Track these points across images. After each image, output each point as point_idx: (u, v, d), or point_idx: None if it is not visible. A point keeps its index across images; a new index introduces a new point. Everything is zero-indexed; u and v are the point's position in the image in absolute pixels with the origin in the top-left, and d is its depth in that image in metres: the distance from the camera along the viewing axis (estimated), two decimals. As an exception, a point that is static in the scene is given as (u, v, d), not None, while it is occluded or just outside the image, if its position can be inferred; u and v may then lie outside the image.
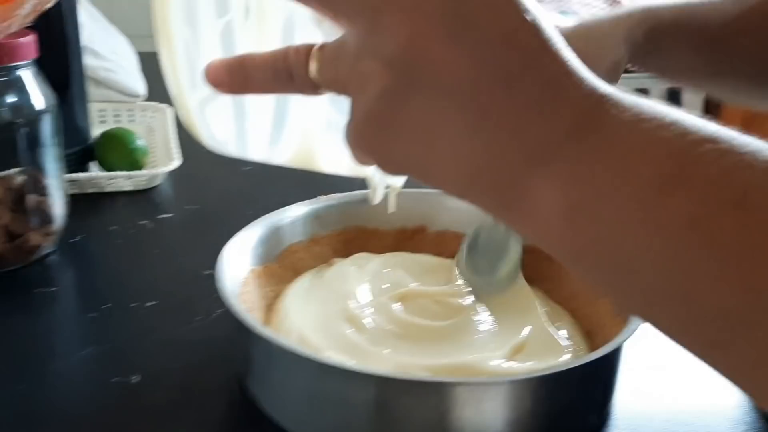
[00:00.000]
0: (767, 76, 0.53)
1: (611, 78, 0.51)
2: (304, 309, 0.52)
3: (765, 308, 0.22)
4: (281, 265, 0.58)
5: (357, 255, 0.60)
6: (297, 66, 0.31)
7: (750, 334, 0.22)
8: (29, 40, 0.62)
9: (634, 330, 0.44)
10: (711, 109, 1.90)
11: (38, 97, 0.64)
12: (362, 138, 0.29)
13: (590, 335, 0.51)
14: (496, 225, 0.55)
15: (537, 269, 0.59)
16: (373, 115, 0.28)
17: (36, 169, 0.65)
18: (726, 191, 0.23)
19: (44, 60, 0.71)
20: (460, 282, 0.56)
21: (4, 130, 0.62)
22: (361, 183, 0.67)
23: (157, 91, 1.08)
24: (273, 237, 0.58)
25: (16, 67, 0.61)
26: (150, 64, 1.11)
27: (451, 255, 0.62)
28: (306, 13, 0.33)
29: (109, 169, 0.80)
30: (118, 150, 0.81)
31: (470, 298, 0.54)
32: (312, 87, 0.31)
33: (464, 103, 0.26)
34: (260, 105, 0.43)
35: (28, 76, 0.63)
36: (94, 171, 0.82)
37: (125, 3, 1.77)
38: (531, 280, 0.58)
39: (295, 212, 0.60)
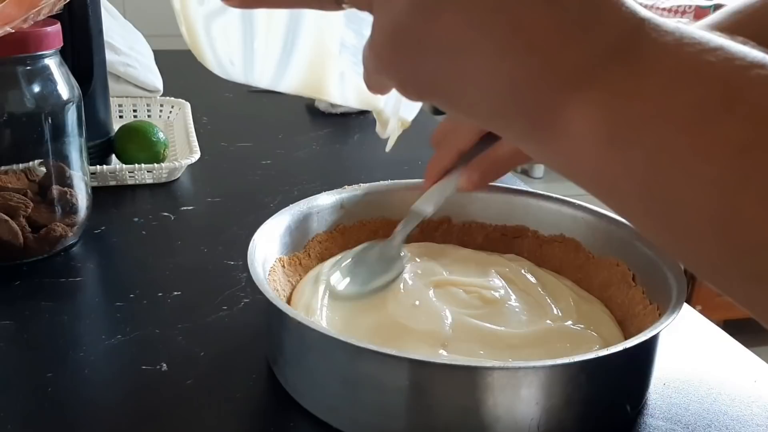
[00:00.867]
0: None
1: None
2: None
3: None
4: (307, 255, 0.58)
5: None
6: None
7: None
8: (55, 29, 0.62)
9: (671, 319, 0.43)
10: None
11: (63, 87, 0.64)
12: (386, 55, 0.27)
13: (623, 324, 0.50)
14: (389, 242, 0.54)
15: (566, 259, 0.58)
16: (398, 30, 0.26)
17: (60, 159, 0.65)
18: None
19: (68, 51, 0.72)
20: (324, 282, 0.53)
21: (30, 120, 0.62)
22: (385, 173, 0.67)
23: (174, 86, 1.08)
24: (300, 226, 0.58)
25: (42, 56, 0.61)
26: (165, 61, 1.11)
27: (477, 246, 0.62)
28: None
29: (128, 162, 0.80)
30: (138, 143, 0.81)
31: (502, 291, 0.53)
32: (333, 1, 0.29)
33: (498, 18, 0.24)
34: (271, 23, 0.40)
35: (53, 65, 0.63)
36: (116, 164, 0.82)
37: (140, 1, 1.78)
38: (561, 270, 0.58)
39: (321, 202, 0.59)
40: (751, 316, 0.24)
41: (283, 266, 0.55)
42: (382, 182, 0.63)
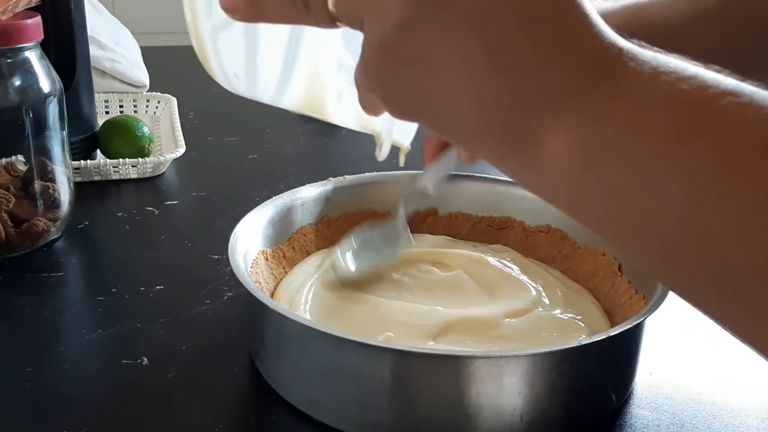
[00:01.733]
0: None
1: None
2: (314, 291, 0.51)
3: None
4: (291, 247, 0.57)
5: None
6: None
7: None
8: (35, 21, 0.61)
9: (656, 307, 0.43)
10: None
11: (44, 80, 0.63)
12: (372, 72, 0.28)
13: (609, 314, 0.50)
14: (391, 222, 0.54)
15: (552, 250, 0.58)
16: (387, 46, 0.27)
17: (42, 154, 0.64)
18: (751, 138, 0.22)
19: (50, 45, 0.71)
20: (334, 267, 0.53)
21: (11, 114, 0.61)
22: (372, 167, 0.66)
23: (160, 82, 1.08)
24: (283, 219, 0.57)
25: (22, 49, 0.61)
26: (152, 58, 1.10)
27: (463, 237, 0.61)
28: None
29: (113, 157, 0.79)
30: (123, 137, 0.81)
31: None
32: (328, 19, 0.30)
33: (483, 39, 0.25)
34: (273, 39, 0.41)
35: (34, 58, 0.62)
36: (100, 159, 0.81)
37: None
38: (547, 261, 0.57)
39: (306, 194, 0.59)
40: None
41: (267, 259, 0.55)
42: (367, 174, 0.63)
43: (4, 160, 0.66)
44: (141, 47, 1.11)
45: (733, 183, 0.22)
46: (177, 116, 0.92)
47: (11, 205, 0.63)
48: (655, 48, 0.26)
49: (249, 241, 0.53)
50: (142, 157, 0.79)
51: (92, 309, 0.56)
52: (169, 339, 0.51)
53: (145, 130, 0.82)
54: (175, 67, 1.33)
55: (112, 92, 1.00)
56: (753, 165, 0.21)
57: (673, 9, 0.50)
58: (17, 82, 0.61)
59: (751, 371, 0.50)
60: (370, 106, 0.34)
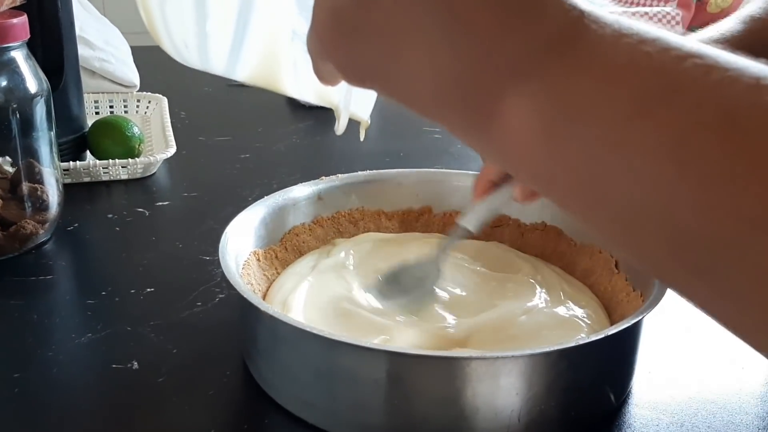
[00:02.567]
0: None
1: None
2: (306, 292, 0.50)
3: (752, 234, 0.20)
4: (284, 248, 0.56)
5: (362, 235, 0.58)
6: None
7: (735, 261, 0.20)
8: (21, 20, 0.60)
9: (654, 305, 0.42)
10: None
11: (31, 80, 0.62)
12: (326, 37, 0.27)
13: (607, 311, 0.49)
14: (429, 260, 0.51)
15: (548, 247, 0.57)
16: (340, 10, 0.26)
17: (30, 155, 0.63)
18: (712, 108, 0.21)
19: (37, 45, 0.70)
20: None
21: (-3, 114, 0.60)
22: (365, 166, 0.65)
23: (151, 81, 1.07)
24: (275, 219, 0.56)
25: (8, 49, 0.60)
26: (144, 57, 1.09)
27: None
28: None
29: (103, 158, 0.78)
30: (113, 138, 0.79)
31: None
32: None
33: (440, 5, 0.24)
34: (223, 5, 0.39)
35: (20, 58, 0.61)
36: (90, 160, 0.80)
37: (118, -2, 1.76)
38: (545, 257, 0.56)
39: (298, 193, 0.58)
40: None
41: (258, 260, 0.54)
42: (360, 172, 0.62)
43: (-10, 162, 0.65)
44: (132, 47, 1.09)
45: (696, 152, 0.21)
46: (168, 116, 0.91)
47: (-1, 207, 0.62)
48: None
49: (240, 241, 0.52)
50: (132, 158, 0.78)
51: (81, 312, 0.55)
52: (159, 342, 0.50)
53: (135, 130, 0.81)
54: (166, 66, 1.32)
55: (102, 92, 0.99)
56: (717, 133, 0.20)
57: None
58: (3, 83, 0.60)
59: (751, 369, 0.49)
60: (325, 75, 0.32)
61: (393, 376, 0.40)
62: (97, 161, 0.77)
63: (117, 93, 1.00)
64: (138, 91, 1.02)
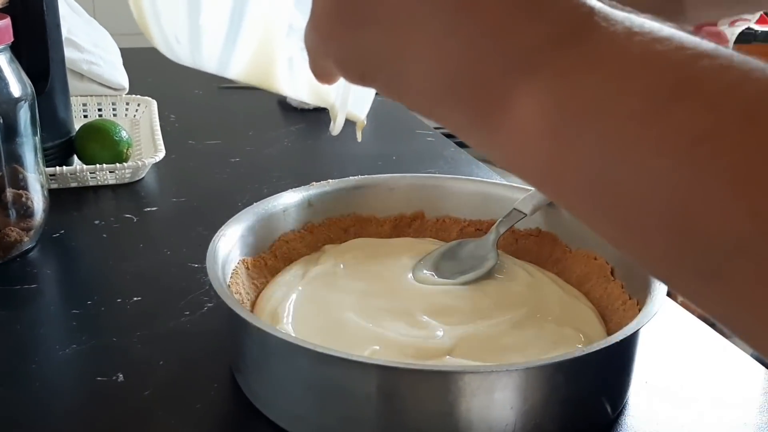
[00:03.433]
0: None
1: None
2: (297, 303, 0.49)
3: (766, 237, 0.19)
4: (273, 255, 0.55)
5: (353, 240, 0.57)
6: None
7: (754, 264, 0.20)
8: (5, 23, 0.59)
9: (651, 315, 0.41)
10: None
11: (14, 84, 0.61)
12: (325, 28, 0.26)
13: (603, 319, 0.48)
14: (483, 240, 0.55)
15: (543, 254, 0.56)
16: (341, 2, 0.25)
17: (14, 161, 0.62)
18: (733, 104, 0.20)
19: (22, 48, 0.69)
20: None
21: (-21, 120, 0.59)
22: (358, 169, 0.64)
23: (141, 84, 1.05)
24: (264, 226, 0.55)
25: (-9, 52, 0.58)
26: (133, 60, 1.08)
27: (453, 240, 0.59)
28: None
29: (90, 163, 0.77)
30: (100, 142, 0.78)
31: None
32: None
33: None
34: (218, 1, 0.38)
35: (3, 61, 0.60)
36: (77, 165, 0.78)
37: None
38: (540, 264, 0.56)
39: (287, 200, 0.57)
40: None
41: (248, 268, 0.53)
42: (351, 177, 0.61)
43: (-26, 168, 0.63)
44: (122, 49, 1.08)
45: (715, 152, 0.20)
46: (157, 119, 0.90)
47: (-18, 214, 0.61)
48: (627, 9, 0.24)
49: (229, 250, 0.51)
50: (120, 162, 0.77)
51: (66, 323, 0.53)
52: (146, 354, 0.49)
53: (123, 134, 0.80)
54: (156, 69, 1.31)
55: (91, 95, 0.98)
56: (737, 132, 0.20)
57: None
58: (-14, 87, 0.59)
59: (748, 379, 0.48)
60: (322, 72, 0.31)
61: (384, 389, 0.39)
62: (84, 166, 0.76)
63: (106, 96, 0.99)
64: (127, 94, 1.01)
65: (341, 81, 0.30)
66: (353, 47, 0.26)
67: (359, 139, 0.52)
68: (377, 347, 0.44)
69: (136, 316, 0.54)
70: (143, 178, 0.79)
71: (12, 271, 0.60)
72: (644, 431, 0.43)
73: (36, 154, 0.63)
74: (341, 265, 0.54)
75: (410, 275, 0.53)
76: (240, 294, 0.50)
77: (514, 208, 0.55)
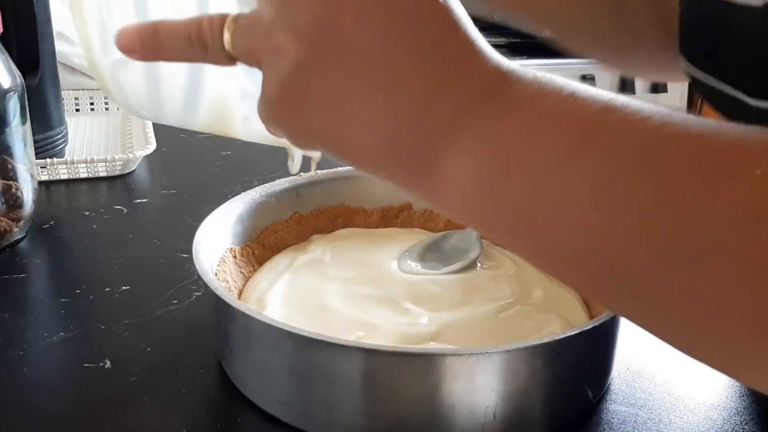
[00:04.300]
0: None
1: None
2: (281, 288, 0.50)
3: (665, 261, 0.23)
4: (261, 245, 0.56)
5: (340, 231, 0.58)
6: (211, 36, 0.31)
7: (656, 286, 0.23)
8: (-7, 14, 0.59)
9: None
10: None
11: (4, 75, 0.61)
12: (274, 111, 0.29)
13: (587, 306, 0.49)
14: (467, 232, 0.55)
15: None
16: (285, 87, 0.28)
17: (3, 151, 0.62)
18: (621, 158, 0.23)
19: (11, 40, 0.69)
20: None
21: (-32, 110, 0.59)
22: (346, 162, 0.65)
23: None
24: (252, 215, 0.55)
25: (-21, 43, 0.59)
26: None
27: (440, 231, 0.60)
28: None
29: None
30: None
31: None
32: (226, 58, 0.31)
33: (377, 76, 0.26)
34: (174, 71, 0.42)
35: (-8, 52, 0.60)
36: (68, 156, 0.79)
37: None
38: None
39: (276, 189, 0.57)
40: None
41: (235, 257, 0.53)
42: (339, 168, 0.61)
43: (-36, 159, 0.64)
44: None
45: (613, 195, 0.23)
46: (148, 113, 0.90)
47: (-28, 205, 0.61)
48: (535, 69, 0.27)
49: (216, 239, 0.51)
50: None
51: (55, 311, 0.54)
52: (133, 341, 0.49)
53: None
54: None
55: (83, 89, 0.98)
56: (630, 178, 0.23)
57: None
58: (-26, 78, 0.59)
59: (730, 364, 0.49)
60: (276, 133, 0.35)
61: (366, 373, 0.39)
62: (75, 158, 0.76)
63: (98, 90, 0.99)
64: (119, 87, 1.01)
65: None
66: (300, 125, 0.29)
67: (313, 171, 0.56)
68: (362, 333, 0.44)
69: (124, 305, 0.54)
70: (134, 170, 0.79)
71: (1, 261, 0.60)
72: (626, 415, 0.43)
73: (25, 145, 0.64)
74: (328, 254, 0.54)
75: (395, 265, 0.53)
76: (227, 282, 0.50)
77: None
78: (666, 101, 1.86)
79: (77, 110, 0.98)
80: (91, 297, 0.55)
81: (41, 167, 0.74)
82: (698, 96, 0.35)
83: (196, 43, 0.31)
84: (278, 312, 0.47)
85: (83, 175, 0.77)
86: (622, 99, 0.25)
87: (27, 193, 0.64)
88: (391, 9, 0.26)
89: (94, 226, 0.67)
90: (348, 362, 0.39)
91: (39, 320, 0.53)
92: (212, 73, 0.42)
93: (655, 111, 0.24)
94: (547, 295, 0.49)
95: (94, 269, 0.60)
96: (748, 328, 0.22)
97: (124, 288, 0.56)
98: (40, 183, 0.74)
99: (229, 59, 0.31)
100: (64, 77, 0.92)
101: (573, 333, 0.39)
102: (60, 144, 0.80)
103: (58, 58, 0.86)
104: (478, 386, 0.39)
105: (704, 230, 0.22)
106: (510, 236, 0.27)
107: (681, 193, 0.22)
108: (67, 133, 0.82)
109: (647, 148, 0.23)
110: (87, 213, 0.69)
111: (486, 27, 0.31)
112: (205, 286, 0.55)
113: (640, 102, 0.24)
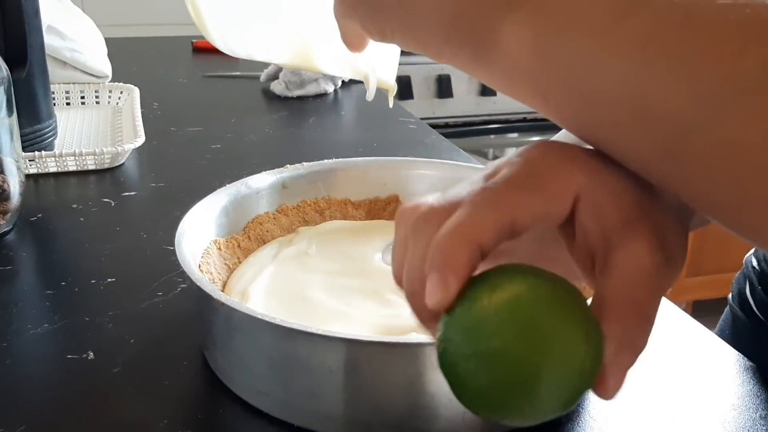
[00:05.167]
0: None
1: None
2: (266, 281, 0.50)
3: (710, 114, 0.23)
4: (247, 237, 0.56)
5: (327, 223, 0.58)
6: None
7: (699, 141, 0.24)
8: (-22, 6, 0.59)
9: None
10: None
11: (-11, 67, 0.61)
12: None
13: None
14: None
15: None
16: None
17: (-11, 144, 0.62)
18: (670, 15, 0.25)
19: (-1, 33, 0.69)
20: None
21: (-46, 102, 0.59)
22: (339, 156, 0.64)
23: (126, 73, 1.05)
24: (237, 207, 0.55)
25: (-36, 35, 0.58)
26: (119, 49, 1.08)
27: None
28: None
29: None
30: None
31: None
32: None
33: None
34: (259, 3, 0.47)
35: (-23, 45, 0.60)
36: (56, 149, 0.79)
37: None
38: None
39: (260, 181, 0.57)
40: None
41: (219, 249, 0.53)
42: (325, 161, 0.61)
43: (-49, 152, 0.63)
44: (108, 38, 1.08)
45: (659, 52, 0.25)
46: (138, 106, 0.90)
47: (-42, 197, 0.61)
48: None
49: (200, 230, 0.51)
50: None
51: (40, 303, 0.54)
52: (117, 332, 0.49)
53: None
54: (141, 57, 1.31)
55: (73, 83, 0.98)
56: (677, 31, 0.24)
57: None
58: (-40, 70, 0.59)
59: (732, 368, 0.49)
60: (351, 40, 0.37)
61: (346, 363, 0.39)
62: (64, 150, 0.76)
63: (88, 84, 0.99)
64: (111, 81, 1.01)
65: (369, 52, 0.36)
66: (372, 8, 0.32)
67: (390, 105, 0.58)
68: (344, 324, 0.44)
69: (109, 297, 0.54)
70: (123, 163, 0.79)
71: (-13, 254, 0.60)
72: (608, 403, 0.43)
73: (12, 137, 0.63)
74: (313, 247, 0.54)
75: (380, 257, 0.53)
76: (211, 274, 0.50)
77: None
78: None
79: (68, 104, 0.98)
80: (77, 289, 0.55)
81: (30, 160, 0.74)
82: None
83: None
84: (261, 303, 0.47)
85: (72, 168, 0.76)
86: None
87: (14, 185, 0.64)
88: None
89: (82, 219, 0.67)
90: (328, 353, 0.39)
91: (24, 312, 0.53)
92: (294, 10, 0.46)
93: None
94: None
95: (81, 262, 0.60)
96: None
97: (109, 280, 0.56)
98: (29, 176, 0.74)
99: None
100: (54, 71, 0.92)
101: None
102: (49, 137, 0.80)
103: (49, 51, 0.86)
104: (458, 376, 0.38)
105: (749, 78, 0.23)
106: (563, 104, 0.28)
107: (728, 44, 0.23)
108: (56, 127, 0.82)
109: (696, 5, 0.24)
110: (75, 206, 0.69)
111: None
112: (190, 278, 0.55)
113: None
